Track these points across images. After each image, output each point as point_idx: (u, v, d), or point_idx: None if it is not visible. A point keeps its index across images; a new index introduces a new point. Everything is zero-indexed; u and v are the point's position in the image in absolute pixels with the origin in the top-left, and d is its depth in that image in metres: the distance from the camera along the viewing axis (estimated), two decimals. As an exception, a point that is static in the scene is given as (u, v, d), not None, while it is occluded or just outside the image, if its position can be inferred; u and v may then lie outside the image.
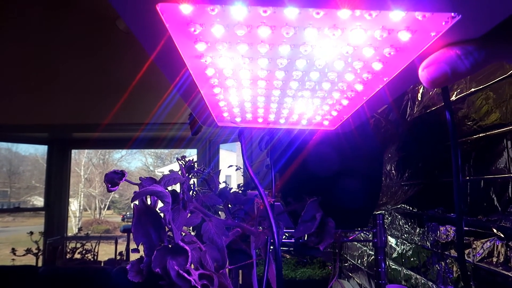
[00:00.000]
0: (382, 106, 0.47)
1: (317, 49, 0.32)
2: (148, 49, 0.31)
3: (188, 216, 0.68)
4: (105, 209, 16.04)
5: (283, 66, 0.36)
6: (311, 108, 0.51)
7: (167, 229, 0.62)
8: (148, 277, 0.60)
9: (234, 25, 0.28)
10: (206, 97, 0.44)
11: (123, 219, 15.16)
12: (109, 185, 0.58)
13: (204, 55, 0.33)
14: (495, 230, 0.66)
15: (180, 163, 0.75)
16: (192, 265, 0.59)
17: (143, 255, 0.62)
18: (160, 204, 0.64)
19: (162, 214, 0.63)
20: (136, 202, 0.60)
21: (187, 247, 0.57)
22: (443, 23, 0.27)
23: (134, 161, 17.38)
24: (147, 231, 0.60)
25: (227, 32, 0.29)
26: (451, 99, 0.81)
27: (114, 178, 0.60)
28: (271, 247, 0.78)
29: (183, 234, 0.63)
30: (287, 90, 0.43)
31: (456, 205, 0.36)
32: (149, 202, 0.64)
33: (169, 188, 0.66)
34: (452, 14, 0.25)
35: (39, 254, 3.55)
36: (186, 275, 0.54)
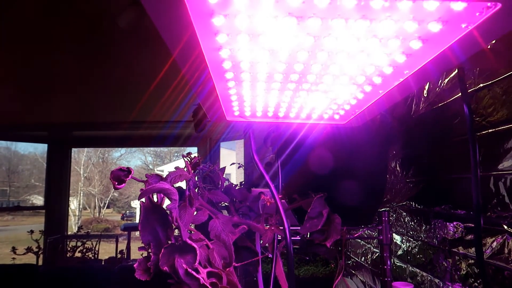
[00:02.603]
0: (396, 101, 0.47)
1: (341, 41, 0.31)
2: (170, 41, 0.30)
3: (194, 214, 0.68)
4: (105, 207, 16.04)
5: (303, 59, 0.35)
6: (325, 102, 0.50)
7: (173, 226, 0.62)
8: (154, 275, 0.59)
9: (259, 16, 0.27)
10: (219, 91, 0.44)
11: (122, 218, 15.17)
12: (116, 183, 0.58)
13: (223, 48, 0.33)
14: (505, 227, 0.65)
15: (186, 159, 0.74)
16: (200, 263, 0.58)
17: (149, 253, 0.61)
18: (165, 202, 0.63)
19: (168, 212, 0.62)
20: (143, 200, 0.60)
21: (195, 245, 0.57)
22: (477, 14, 0.26)
23: (134, 160, 17.38)
24: (154, 229, 0.60)
25: (251, 23, 0.28)
26: (459, 95, 0.81)
27: (120, 176, 0.60)
28: (278, 244, 0.77)
29: (191, 232, 0.62)
30: (303, 84, 0.42)
31: (475, 200, 0.36)
32: (155, 200, 0.64)
33: (175, 185, 0.65)
34: (488, 3, 0.24)
35: (40, 252, 3.54)
36: (194, 273, 0.53)
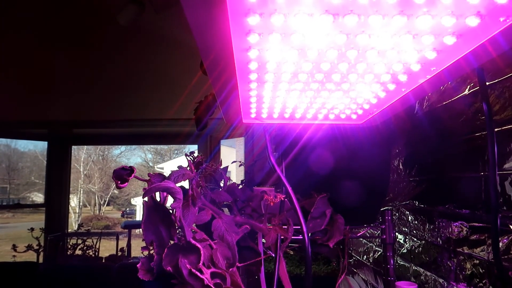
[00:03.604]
0: (417, 100, 0.46)
1: (373, 39, 0.31)
2: (203, 42, 0.29)
3: (197, 213, 0.67)
4: (105, 205, 16.05)
5: (332, 58, 0.35)
6: (345, 102, 0.50)
7: (176, 226, 0.61)
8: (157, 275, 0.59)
9: (295, 14, 0.27)
10: (241, 93, 0.44)
11: (123, 215, 15.19)
12: (119, 182, 0.57)
13: (252, 48, 0.32)
14: (511, 227, 0.65)
15: (189, 158, 0.73)
16: (204, 263, 0.57)
17: (150, 252, 0.61)
18: (167, 202, 0.63)
19: (171, 211, 0.61)
20: (146, 199, 0.59)
21: (199, 245, 0.56)
22: None
23: (134, 157, 17.38)
24: (157, 229, 0.59)
25: (285, 22, 0.28)
26: (464, 93, 0.80)
27: (123, 175, 0.59)
28: (285, 244, 0.77)
29: (195, 232, 0.61)
30: (326, 84, 0.42)
31: (492, 199, 0.35)
32: (158, 199, 0.63)
33: (177, 184, 0.64)
34: None
35: (40, 250, 3.54)
36: (198, 274, 0.53)
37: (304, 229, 0.60)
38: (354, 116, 0.56)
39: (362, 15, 0.27)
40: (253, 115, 0.56)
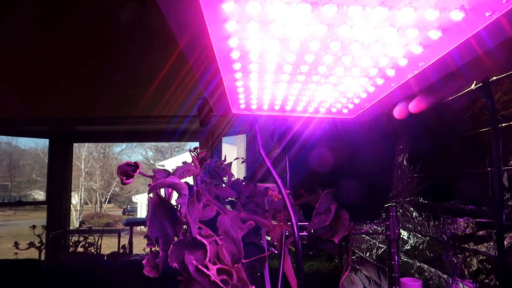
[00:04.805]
0: (408, 94, 0.45)
1: (356, 31, 0.30)
2: (177, 29, 0.29)
3: (202, 209, 0.66)
4: (106, 202, 16.08)
5: (315, 50, 0.34)
6: (334, 95, 0.49)
7: (182, 222, 0.61)
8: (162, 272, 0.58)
9: (271, 2, 0.26)
10: (226, 82, 0.43)
11: (124, 213, 15.22)
12: (124, 178, 0.57)
13: (232, 36, 0.31)
14: (519, 223, 0.64)
15: (193, 154, 0.73)
16: (210, 260, 0.57)
17: (152, 249, 0.61)
18: (172, 198, 0.62)
19: (177, 207, 0.61)
20: (151, 195, 0.59)
21: (205, 241, 0.56)
22: (504, 1, 0.24)
23: (134, 155, 17.39)
24: (163, 225, 0.59)
25: (262, 9, 0.27)
26: (471, 88, 0.79)
27: (128, 170, 0.59)
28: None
29: (201, 228, 0.61)
30: (313, 76, 0.41)
31: (497, 197, 0.34)
32: (162, 195, 0.63)
33: (182, 180, 0.64)
34: None
35: (42, 248, 3.55)
36: (205, 270, 0.52)
37: (294, 221, 0.59)
38: (345, 111, 0.56)
39: (342, 4, 0.27)
40: (242, 106, 0.56)
